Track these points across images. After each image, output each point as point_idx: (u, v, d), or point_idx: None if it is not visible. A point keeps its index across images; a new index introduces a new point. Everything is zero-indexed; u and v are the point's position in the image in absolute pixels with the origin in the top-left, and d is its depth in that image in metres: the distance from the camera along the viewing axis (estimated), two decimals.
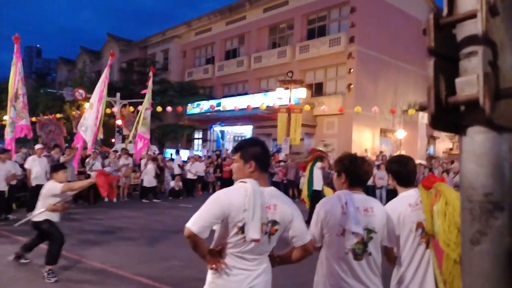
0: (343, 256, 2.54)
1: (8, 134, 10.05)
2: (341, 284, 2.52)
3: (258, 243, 2.27)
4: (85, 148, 14.86)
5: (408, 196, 2.89)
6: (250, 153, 2.43)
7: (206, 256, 2.32)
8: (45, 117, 19.46)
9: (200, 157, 19.36)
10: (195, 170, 16.91)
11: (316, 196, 9.92)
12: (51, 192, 5.85)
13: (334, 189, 3.10)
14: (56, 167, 6.35)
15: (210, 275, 2.38)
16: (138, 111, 16.78)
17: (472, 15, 1.00)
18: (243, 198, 2.26)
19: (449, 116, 1.05)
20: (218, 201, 2.27)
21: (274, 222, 2.34)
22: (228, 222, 2.25)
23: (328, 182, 10.80)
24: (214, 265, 2.29)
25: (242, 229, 2.24)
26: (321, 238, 2.64)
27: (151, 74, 13.78)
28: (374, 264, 2.58)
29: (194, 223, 2.21)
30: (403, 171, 2.98)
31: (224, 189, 2.42)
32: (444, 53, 1.06)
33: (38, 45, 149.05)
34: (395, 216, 2.79)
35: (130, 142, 15.84)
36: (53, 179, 6.05)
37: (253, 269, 2.32)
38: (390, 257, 2.90)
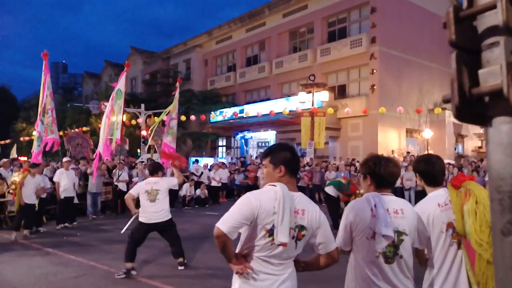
0: (373, 259, 2.49)
1: (35, 148, 10.27)
2: None
3: (285, 248, 2.26)
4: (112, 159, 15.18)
5: (437, 196, 2.82)
6: (280, 158, 2.42)
7: (232, 259, 2.31)
8: (72, 130, 19.92)
9: (223, 164, 19.46)
10: (219, 177, 16.98)
11: (328, 198, 10.36)
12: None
13: None
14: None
15: (236, 280, 2.36)
16: (163, 122, 17.00)
17: (492, 6, 0.99)
18: (273, 201, 2.25)
19: (473, 107, 1.04)
20: (249, 202, 2.27)
21: (302, 227, 2.34)
22: (257, 224, 2.25)
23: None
24: (240, 269, 2.28)
25: (270, 232, 2.24)
26: (350, 241, 2.60)
27: (177, 84, 13.97)
28: (405, 267, 2.52)
29: (224, 223, 2.22)
30: (431, 170, 2.89)
31: (254, 191, 2.41)
32: (465, 45, 1.05)
33: (64, 61, 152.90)
34: (424, 217, 2.72)
35: (155, 152, 16.04)
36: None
37: (279, 273, 2.30)
38: (421, 259, 2.83)
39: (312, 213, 2.39)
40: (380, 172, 2.63)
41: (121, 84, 10.83)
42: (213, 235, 2.24)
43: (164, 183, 6.59)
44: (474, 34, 1.06)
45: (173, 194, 15.56)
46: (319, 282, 5.44)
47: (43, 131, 10.50)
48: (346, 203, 8.64)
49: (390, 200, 2.59)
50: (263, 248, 2.27)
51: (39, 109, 10.35)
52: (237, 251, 2.37)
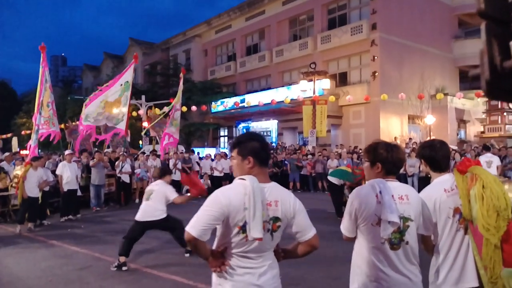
0: (379, 246, 2.46)
1: (33, 142, 10.21)
2: (378, 274, 2.45)
3: (261, 242, 2.20)
4: (113, 151, 15.18)
5: (443, 182, 2.78)
6: (248, 148, 2.33)
7: (208, 258, 2.26)
8: (74, 123, 19.83)
9: (226, 154, 19.41)
10: (221, 167, 16.96)
11: (331, 186, 10.41)
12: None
13: None
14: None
15: (215, 278, 2.31)
16: (163, 112, 16.94)
17: None
18: (242, 196, 2.18)
19: (505, 82, 0.96)
20: (217, 201, 2.18)
21: (276, 219, 2.27)
22: (229, 222, 2.19)
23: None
24: (217, 268, 2.24)
25: (242, 229, 2.17)
26: (355, 228, 2.57)
27: (181, 75, 13.89)
28: (411, 253, 2.49)
29: (194, 227, 2.15)
30: (436, 156, 2.86)
31: (222, 188, 2.32)
32: (495, 14, 0.97)
33: (63, 54, 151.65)
34: (431, 203, 2.69)
35: (157, 143, 15.95)
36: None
37: (258, 266, 2.26)
38: (428, 246, 2.80)
39: (285, 203, 2.31)
40: (392, 159, 2.59)
41: (129, 76, 10.86)
42: (185, 238, 2.19)
43: (162, 188, 6.65)
44: (505, 2, 0.98)
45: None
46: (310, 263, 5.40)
47: (42, 123, 10.45)
48: (351, 190, 8.56)
49: (395, 186, 2.55)
50: (238, 244, 2.22)
51: (37, 102, 10.28)
52: (214, 247, 2.31)
